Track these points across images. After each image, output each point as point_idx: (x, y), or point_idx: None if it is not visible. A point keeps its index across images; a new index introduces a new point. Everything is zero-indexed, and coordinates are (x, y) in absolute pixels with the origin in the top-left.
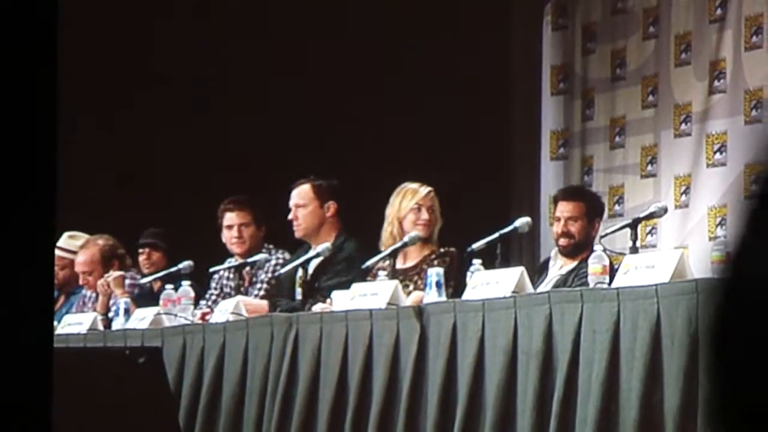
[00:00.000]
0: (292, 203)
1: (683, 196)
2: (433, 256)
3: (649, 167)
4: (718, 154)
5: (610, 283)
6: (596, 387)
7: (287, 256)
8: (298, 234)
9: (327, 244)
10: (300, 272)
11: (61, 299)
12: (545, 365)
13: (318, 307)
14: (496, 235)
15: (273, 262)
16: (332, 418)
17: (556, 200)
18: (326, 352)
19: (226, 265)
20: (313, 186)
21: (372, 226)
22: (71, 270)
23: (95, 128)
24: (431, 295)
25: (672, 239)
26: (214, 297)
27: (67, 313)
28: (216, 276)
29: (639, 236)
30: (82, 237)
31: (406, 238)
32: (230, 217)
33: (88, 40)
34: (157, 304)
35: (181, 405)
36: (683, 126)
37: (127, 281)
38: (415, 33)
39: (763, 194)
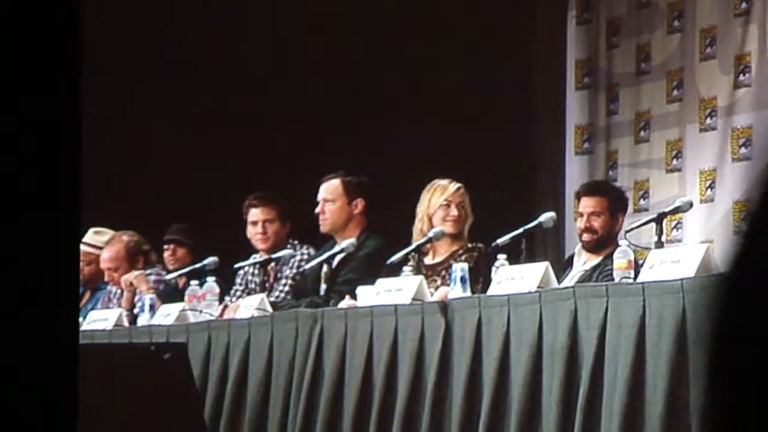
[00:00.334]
0: (320, 197)
1: (708, 190)
2: (461, 252)
3: (675, 162)
4: (743, 148)
5: (635, 278)
6: (622, 382)
7: (312, 251)
8: (323, 229)
9: (352, 240)
10: (325, 268)
11: (87, 295)
12: (570, 360)
13: (343, 303)
14: (521, 230)
15: (298, 257)
16: (357, 414)
17: (578, 196)
18: (351, 347)
19: (250, 261)
20: (343, 182)
21: (399, 224)
22: (97, 266)
23: (121, 124)
24: (456, 291)
25: (697, 234)
26: (239, 293)
27: (92, 309)
28: (241, 272)
29: (664, 231)
30: (107, 233)
31: (430, 234)
32: (255, 213)
33: (113, 35)
34: (182, 300)
35: (206, 401)
36: (708, 120)
37: (152, 277)
38: (440, 30)
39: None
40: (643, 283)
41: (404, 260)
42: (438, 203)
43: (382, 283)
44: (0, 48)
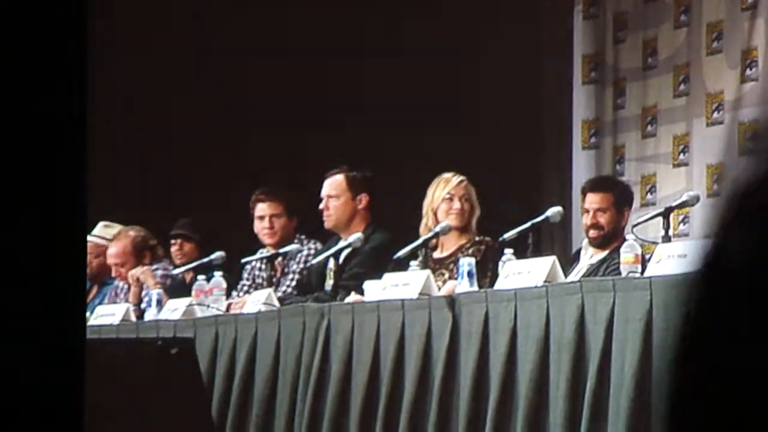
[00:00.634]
0: (324, 193)
1: (715, 184)
2: (468, 246)
3: (681, 156)
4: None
5: (642, 272)
6: (629, 376)
7: (319, 246)
8: (328, 225)
9: (359, 234)
10: (331, 263)
11: (94, 290)
12: (578, 355)
13: (350, 298)
14: (528, 224)
15: (305, 252)
16: (364, 409)
17: (584, 192)
18: (358, 342)
19: (257, 255)
20: (347, 177)
21: (405, 218)
22: (105, 258)
23: (127, 118)
24: (463, 285)
25: (704, 228)
26: (246, 288)
27: (99, 304)
28: (248, 267)
29: (671, 225)
30: (116, 227)
31: (437, 228)
32: (262, 208)
33: (119, 27)
34: (189, 294)
35: (213, 395)
36: (715, 114)
37: (159, 272)
38: (446, 25)
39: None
40: (650, 277)
41: (411, 255)
42: (441, 197)
43: (389, 277)
44: (5, 42)
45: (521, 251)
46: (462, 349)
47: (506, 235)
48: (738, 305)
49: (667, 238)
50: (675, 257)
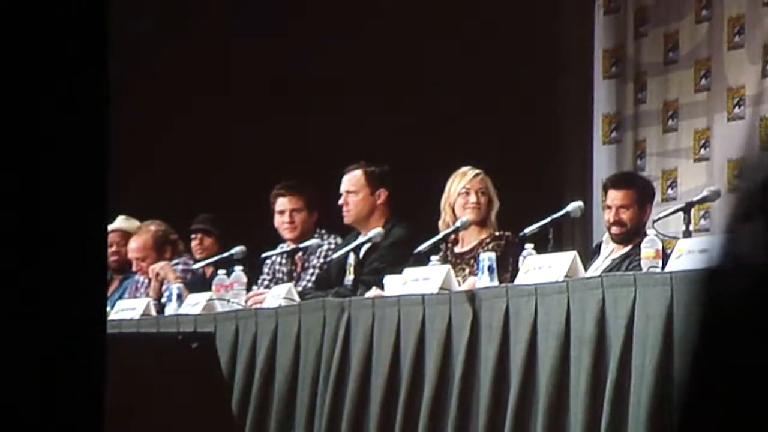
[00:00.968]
0: (343, 189)
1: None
2: (489, 240)
3: (702, 151)
4: None
5: (663, 268)
6: (650, 372)
7: (339, 241)
8: (347, 220)
9: (379, 229)
10: (351, 257)
11: (115, 283)
12: (598, 350)
13: (370, 293)
14: (549, 219)
15: (325, 247)
16: (384, 403)
17: (605, 188)
18: (378, 337)
19: (278, 250)
20: (365, 172)
21: (424, 212)
22: (125, 249)
23: (149, 113)
24: (483, 280)
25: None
26: (266, 282)
27: (120, 298)
28: (268, 261)
29: (692, 220)
30: (135, 221)
31: (458, 223)
32: (282, 203)
33: (140, 20)
34: (209, 289)
35: (233, 390)
36: (736, 109)
37: (180, 267)
38: (467, 18)
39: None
40: (671, 272)
41: (431, 249)
42: (457, 191)
43: (409, 272)
44: (27, 29)
45: (542, 246)
46: (482, 344)
47: (527, 230)
48: (752, 300)
49: (687, 233)
50: (696, 252)
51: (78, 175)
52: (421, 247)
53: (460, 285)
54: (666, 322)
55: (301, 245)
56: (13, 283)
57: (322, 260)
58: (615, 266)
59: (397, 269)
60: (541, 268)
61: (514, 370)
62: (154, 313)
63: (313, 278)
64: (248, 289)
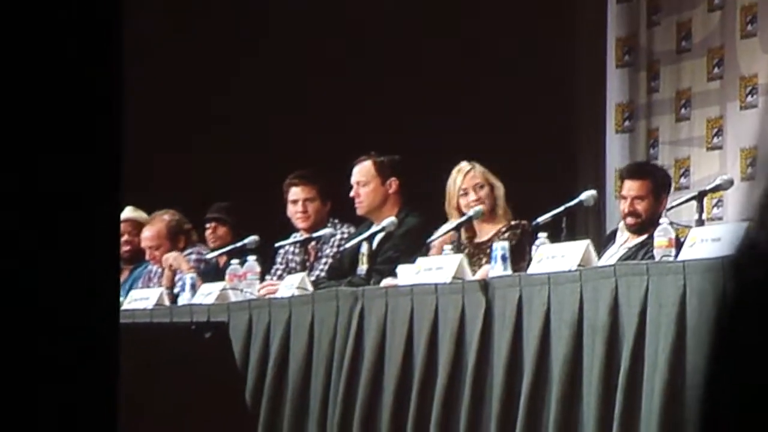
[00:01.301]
0: (353, 180)
1: (749, 168)
2: (504, 230)
3: (715, 139)
4: None
5: (676, 256)
6: (662, 360)
7: (352, 230)
8: (360, 212)
9: (392, 219)
10: (364, 247)
11: (125, 273)
12: (611, 339)
13: (384, 282)
14: (562, 208)
15: (338, 236)
16: (398, 393)
17: (621, 178)
18: (391, 326)
19: (291, 240)
20: (375, 163)
21: (436, 200)
22: (137, 238)
23: (162, 103)
24: (496, 269)
25: (738, 212)
26: (279, 272)
27: (132, 288)
28: (281, 251)
29: (705, 209)
30: (142, 212)
31: (471, 212)
32: (295, 192)
33: (158, 9)
34: (222, 279)
35: (247, 380)
36: (749, 98)
37: (193, 256)
38: (480, 9)
39: None
40: (684, 261)
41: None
42: (456, 194)
43: (422, 261)
44: (38, 22)
45: (555, 235)
46: (495, 333)
47: (540, 219)
48: None
49: (700, 222)
50: (709, 241)
51: (92, 164)
52: (434, 237)
53: (474, 275)
54: (679, 311)
55: (315, 235)
56: (31, 271)
57: (335, 250)
58: (630, 255)
59: (411, 258)
60: (554, 257)
61: (527, 358)
62: (167, 302)
63: (326, 268)
64: (262, 278)
